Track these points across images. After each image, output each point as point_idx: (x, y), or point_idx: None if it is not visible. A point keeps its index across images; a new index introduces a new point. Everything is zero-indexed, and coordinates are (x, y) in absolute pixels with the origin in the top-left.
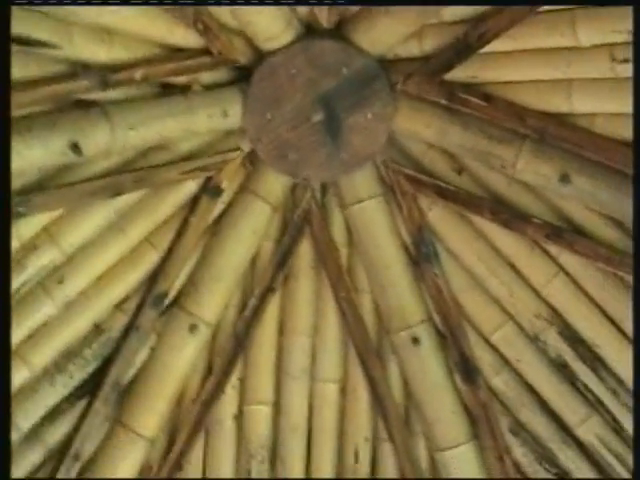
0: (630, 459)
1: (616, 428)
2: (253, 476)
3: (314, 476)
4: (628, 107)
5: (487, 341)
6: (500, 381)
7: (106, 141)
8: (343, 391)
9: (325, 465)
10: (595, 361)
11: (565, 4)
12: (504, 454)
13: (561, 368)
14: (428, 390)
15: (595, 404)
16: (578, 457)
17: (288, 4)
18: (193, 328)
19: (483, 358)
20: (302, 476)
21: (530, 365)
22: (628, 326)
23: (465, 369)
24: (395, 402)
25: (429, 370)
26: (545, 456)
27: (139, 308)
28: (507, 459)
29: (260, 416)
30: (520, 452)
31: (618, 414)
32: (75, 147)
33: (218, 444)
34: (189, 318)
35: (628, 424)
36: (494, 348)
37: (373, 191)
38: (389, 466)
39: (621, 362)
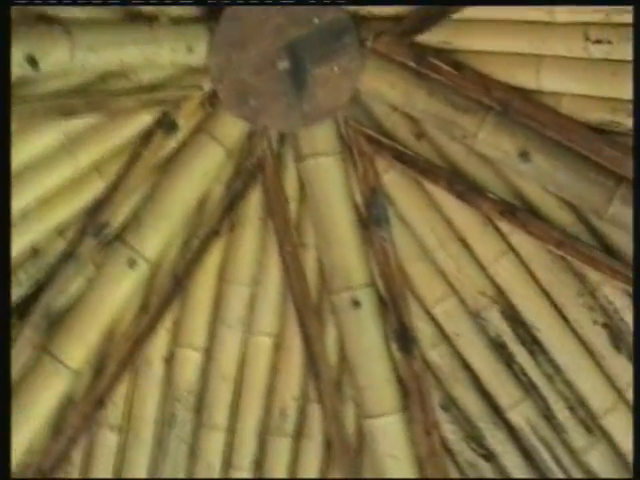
0: (558, 447)
1: (547, 415)
2: (177, 420)
3: (237, 427)
4: (596, 90)
5: (428, 313)
6: (436, 354)
7: (65, 59)
8: (277, 346)
9: (250, 419)
10: (534, 344)
11: (565, 4)
12: (432, 429)
13: (499, 348)
14: (363, 355)
15: (529, 388)
16: (506, 440)
17: (287, 4)
18: (132, 263)
19: (422, 329)
20: (225, 425)
21: (468, 342)
22: (571, 312)
23: (403, 338)
24: (329, 364)
25: (366, 335)
26: (473, 435)
27: (79, 236)
28: (435, 434)
29: (190, 361)
30: (449, 429)
31: (551, 400)
32: (32, 61)
33: (145, 384)
34: (129, 252)
35: (559, 411)
36: (434, 320)
37: (331, 147)
38: (315, 428)
39: (560, 348)
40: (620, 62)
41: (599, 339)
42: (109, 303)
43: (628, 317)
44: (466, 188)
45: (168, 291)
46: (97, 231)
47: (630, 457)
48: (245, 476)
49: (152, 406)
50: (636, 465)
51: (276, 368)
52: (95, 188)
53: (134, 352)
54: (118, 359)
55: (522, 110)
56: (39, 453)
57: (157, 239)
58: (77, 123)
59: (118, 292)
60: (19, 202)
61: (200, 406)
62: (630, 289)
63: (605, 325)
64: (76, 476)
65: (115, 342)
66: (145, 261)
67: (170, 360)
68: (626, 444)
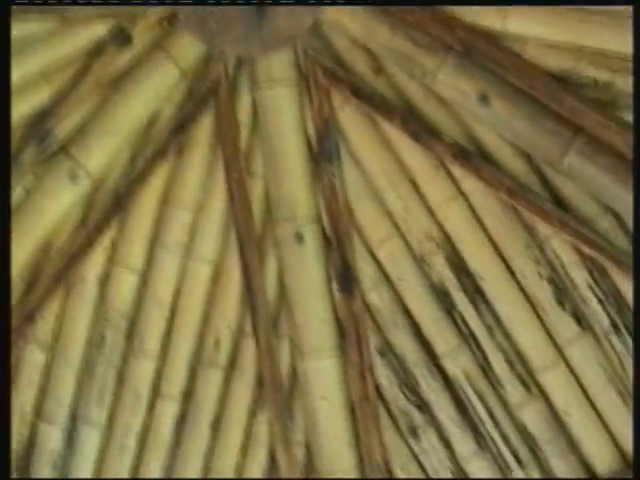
0: (492, 400)
1: (484, 366)
2: (107, 343)
3: (169, 355)
4: (562, 35)
5: (372, 253)
6: (377, 296)
7: None
8: (216, 275)
9: (183, 347)
10: (476, 294)
11: (565, 4)
12: (367, 373)
13: (441, 295)
14: (302, 291)
15: (468, 338)
16: (440, 389)
17: (286, 4)
18: (74, 176)
19: (364, 270)
20: (156, 352)
21: (410, 286)
22: (517, 264)
23: (344, 277)
24: (266, 298)
25: (307, 271)
26: (407, 382)
27: (21, 143)
28: (369, 379)
29: (125, 283)
30: (383, 374)
31: (489, 352)
32: None
33: (77, 303)
34: (72, 165)
35: (496, 363)
36: (378, 262)
37: (287, 77)
38: (248, 362)
39: (502, 299)
40: (586, 10)
41: (543, 293)
42: (47, 215)
43: (574, 273)
44: (421, 128)
45: (108, 209)
46: (40, 140)
47: (565, 416)
48: (173, 406)
49: (83, 326)
50: (636, 465)
51: (213, 297)
52: (42, 96)
53: (69, 268)
54: (51, 274)
55: (485, 53)
56: None
57: (102, 154)
58: (28, 27)
59: (57, 205)
60: None
61: (132, 331)
62: (579, 244)
63: (550, 279)
64: None
65: (50, 256)
66: (87, 176)
67: (105, 280)
68: (561, 402)
